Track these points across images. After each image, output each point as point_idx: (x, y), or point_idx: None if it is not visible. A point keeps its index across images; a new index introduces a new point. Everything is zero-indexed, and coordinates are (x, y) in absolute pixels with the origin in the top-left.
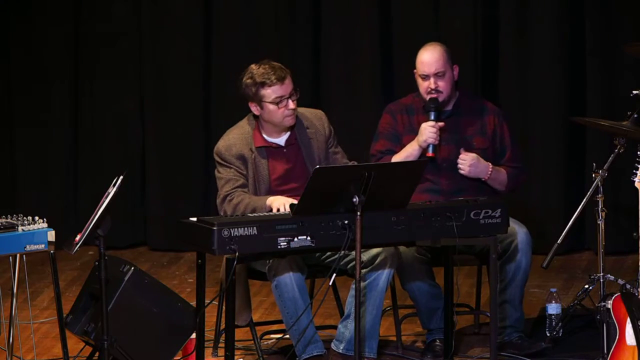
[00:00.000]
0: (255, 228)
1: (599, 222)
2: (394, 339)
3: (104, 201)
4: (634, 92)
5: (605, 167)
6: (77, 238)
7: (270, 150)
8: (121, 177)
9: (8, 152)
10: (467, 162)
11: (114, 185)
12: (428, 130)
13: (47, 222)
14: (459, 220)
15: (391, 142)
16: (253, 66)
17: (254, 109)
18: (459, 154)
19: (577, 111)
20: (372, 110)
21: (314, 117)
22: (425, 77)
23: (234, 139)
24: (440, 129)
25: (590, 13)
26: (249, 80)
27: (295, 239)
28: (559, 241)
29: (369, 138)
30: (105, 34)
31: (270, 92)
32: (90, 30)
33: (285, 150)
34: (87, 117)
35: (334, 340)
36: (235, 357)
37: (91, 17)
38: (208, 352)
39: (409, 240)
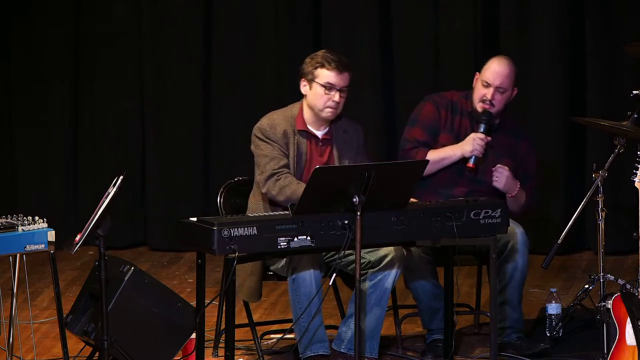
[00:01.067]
0: (255, 228)
1: (599, 222)
2: (395, 338)
3: (104, 201)
4: (634, 92)
5: (605, 167)
6: (77, 238)
7: (310, 136)
8: (121, 177)
9: (8, 152)
10: (504, 175)
11: (114, 185)
12: (477, 142)
13: (47, 222)
14: (459, 220)
15: (429, 134)
16: (323, 50)
17: (304, 86)
18: (485, 168)
19: (577, 111)
20: (371, 110)
21: (354, 126)
22: (487, 86)
23: (278, 119)
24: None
25: (590, 13)
26: (310, 59)
27: (295, 239)
28: (559, 241)
29: (369, 138)
30: (105, 34)
31: (324, 75)
32: (90, 30)
33: (320, 144)
34: (87, 117)
35: (335, 339)
36: (235, 357)
37: (91, 17)
38: (208, 352)
39: (409, 240)
